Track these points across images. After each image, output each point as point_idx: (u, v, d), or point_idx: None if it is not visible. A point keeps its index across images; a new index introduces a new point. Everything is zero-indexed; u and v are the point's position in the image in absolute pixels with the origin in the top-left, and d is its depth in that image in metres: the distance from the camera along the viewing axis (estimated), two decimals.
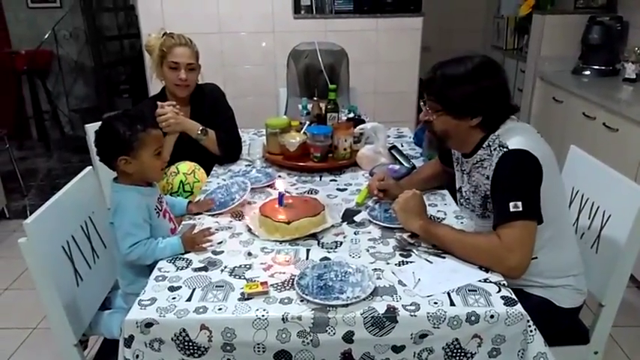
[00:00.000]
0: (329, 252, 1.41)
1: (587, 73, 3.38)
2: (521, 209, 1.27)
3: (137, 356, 1.15)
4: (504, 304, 1.17)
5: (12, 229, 3.25)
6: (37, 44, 4.86)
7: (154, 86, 2.47)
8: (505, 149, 1.34)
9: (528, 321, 1.16)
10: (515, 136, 1.37)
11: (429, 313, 1.14)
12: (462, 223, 1.57)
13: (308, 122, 2.17)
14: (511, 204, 1.28)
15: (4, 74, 4.87)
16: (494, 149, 1.38)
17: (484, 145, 1.43)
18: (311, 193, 1.83)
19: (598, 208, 1.60)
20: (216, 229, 1.54)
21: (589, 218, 1.64)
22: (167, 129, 1.93)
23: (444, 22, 4.63)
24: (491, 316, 1.14)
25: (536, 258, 1.37)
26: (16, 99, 4.98)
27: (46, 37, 4.90)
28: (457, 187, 1.63)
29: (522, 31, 4.19)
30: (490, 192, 1.40)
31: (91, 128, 2.10)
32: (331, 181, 1.95)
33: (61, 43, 5.05)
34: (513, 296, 1.20)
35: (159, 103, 1.99)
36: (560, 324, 1.49)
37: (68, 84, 5.27)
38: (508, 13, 4.41)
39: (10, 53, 4.82)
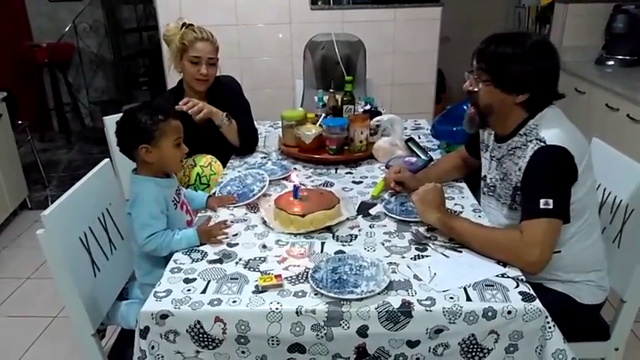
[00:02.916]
0: (344, 245, 1.40)
1: (611, 63, 3.29)
2: (551, 207, 1.25)
3: (152, 347, 1.16)
4: (522, 299, 1.15)
5: (33, 220, 3.31)
6: (58, 37, 4.92)
7: (172, 78, 2.47)
8: (542, 143, 1.32)
9: (547, 317, 1.13)
10: (553, 129, 1.34)
11: (444, 308, 1.12)
12: (479, 216, 1.55)
13: (324, 114, 2.15)
14: (542, 200, 1.25)
15: (26, 67, 4.94)
16: (530, 140, 1.36)
17: (520, 132, 1.41)
18: (326, 186, 1.82)
19: (621, 201, 1.56)
20: (232, 222, 1.54)
21: (611, 212, 1.60)
22: (199, 115, 1.95)
23: (463, 11, 4.55)
24: (509, 312, 1.12)
25: (559, 252, 1.35)
26: (38, 91, 5.06)
27: (67, 30, 4.96)
28: (482, 174, 1.61)
29: (544, 20, 4.08)
30: (521, 185, 1.37)
31: (110, 120, 2.12)
32: (347, 173, 1.94)
33: (81, 35, 5.10)
34: (531, 292, 1.18)
35: (181, 103, 1.97)
36: (580, 320, 1.47)
37: (88, 76, 5.33)
38: (529, 2, 4.31)
39: (32, 46, 4.90)
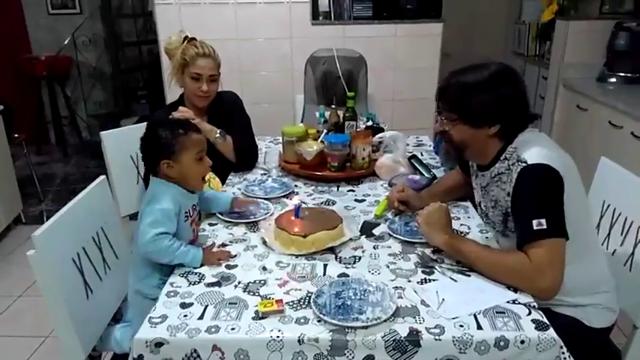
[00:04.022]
0: (347, 267, 1.35)
1: (613, 80, 3.27)
2: (545, 227, 1.20)
3: None
4: (535, 328, 1.09)
5: (27, 235, 3.22)
6: (57, 50, 4.90)
7: (172, 92, 2.44)
8: (524, 164, 1.28)
9: (562, 347, 1.08)
10: (533, 148, 1.30)
11: (454, 337, 1.07)
12: (486, 237, 1.50)
13: (325, 130, 2.12)
14: (534, 222, 1.21)
15: (24, 80, 4.90)
16: (513, 164, 1.32)
17: (501, 158, 1.37)
18: (328, 204, 1.77)
19: (632, 223, 1.52)
20: (230, 242, 1.49)
21: (621, 234, 1.56)
22: None
23: (464, 28, 4.55)
24: (522, 342, 1.07)
25: None
26: (36, 104, 5.02)
27: (66, 43, 4.94)
28: (476, 201, 1.57)
29: (544, 37, 4.09)
30: (511, 209, 1.33)
31: (106, 136, 2.08)
32: (349, 191, 1.89)
33: (80, 49, 5.08)
34: (545, 320, 1.12)
35: (181, 108, 1.95)
36: (590, 345, 1.41)
37: (87, 89, 5.30)
38: (529, 19, 4.32)
39: (30, 59, 4.87)
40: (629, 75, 3.22)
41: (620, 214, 1.58)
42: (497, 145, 1.38)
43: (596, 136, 3.00)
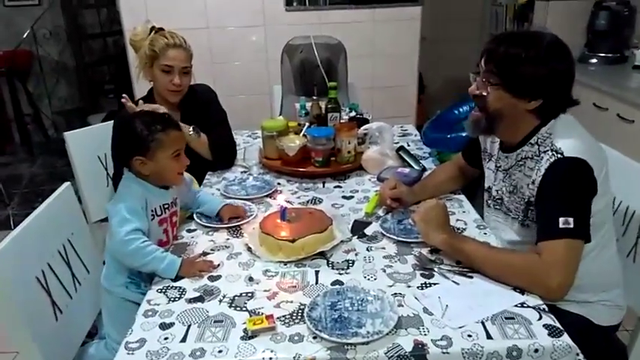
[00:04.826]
0: (340, 274, 1.25)
1: (594, 61, 3.23)
2: (572, 226, 1.12)
3: None
4: (549, 334, 1.02)
5: None
6: (16, 44, 4.63)
7: (140, 86, 2.29)
8: (559, 155, 1.19)
9: (578, 354, 1.00)
10: (569, 139, 1.22)
11: (463, 349, 0.98)
12: (485, 234, 1.42)
13: (307, 124, 2.00)
14: (561, 219, 1.13)
15: None
16: (545, 151, 1.23)
17: (532, 141, 1.28)
18: (314, 203, 1.66)
19: (635, 212, 1.45)
20: (212, 250, 1.38)
21: (623, 224, 1.49)
22: None
23: (439, 10, 4.45)
24: (536, 350, 0.99)
25: None
26: None
27: (25, 36, 4.67)
28: (486, 186, 1.48)
29: (522, 18, 4.02)
30: (535, 200, 1.25)
31: (71, 136, 1.92)
32: (335, 187, 1.78)
33: (40, 42, 4.82)
34: (557, 324, 1.05)
35: (125, 101, 1.80)
36: (597, 344, 1.34)
37: (50, 85, 5.04)
38: (506, 0, 4.25)
39: None
40: (610, 55, 3.19)
41: (620, 203, 1.52)
42: (531, 124, 1.30)
43: (581, 120, 2.92)
